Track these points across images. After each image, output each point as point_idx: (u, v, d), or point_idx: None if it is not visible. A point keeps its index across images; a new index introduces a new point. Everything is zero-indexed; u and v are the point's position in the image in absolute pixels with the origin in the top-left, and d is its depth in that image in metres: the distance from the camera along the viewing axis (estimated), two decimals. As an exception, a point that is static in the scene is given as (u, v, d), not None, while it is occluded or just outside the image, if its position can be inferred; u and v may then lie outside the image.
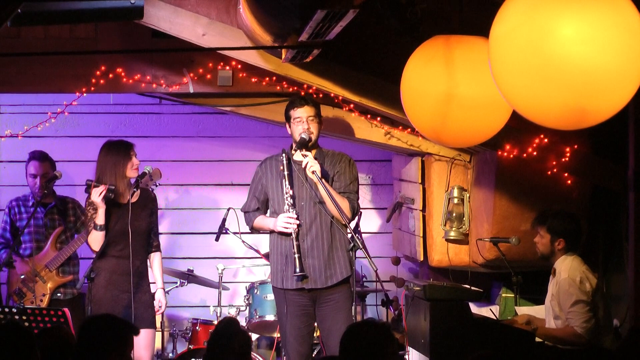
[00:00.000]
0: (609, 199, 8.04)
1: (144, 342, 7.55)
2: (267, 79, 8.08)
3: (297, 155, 7.20)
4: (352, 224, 7.28)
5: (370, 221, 9.76)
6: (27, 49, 8.01)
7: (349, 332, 5.24)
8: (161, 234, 8.22)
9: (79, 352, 4.99)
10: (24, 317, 6.86)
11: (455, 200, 8.37)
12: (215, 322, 8.34)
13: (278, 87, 8.16)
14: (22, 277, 8.23)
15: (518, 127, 7.15)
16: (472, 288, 7.27)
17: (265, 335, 8.75)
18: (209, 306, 8.71)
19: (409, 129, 8.28)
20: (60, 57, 8.04)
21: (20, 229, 8.30)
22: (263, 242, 8.96)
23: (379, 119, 8.29)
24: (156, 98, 9.36)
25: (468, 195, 8.37)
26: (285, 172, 7.17)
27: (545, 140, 7.61)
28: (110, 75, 8.09)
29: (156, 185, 7.99)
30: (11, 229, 8.43)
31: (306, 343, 7.29)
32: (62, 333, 5.60)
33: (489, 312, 7.96)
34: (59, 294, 8.30)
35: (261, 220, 7.38)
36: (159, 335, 8.89)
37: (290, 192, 7.16)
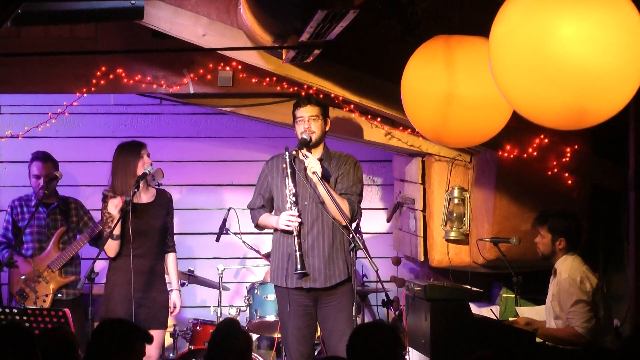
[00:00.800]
0: (610, 198, 8.04)
1: (155, 342, 7.56)
2: (268, 79, 8.07)
3: (301, 155, 7.20)
4: (353, 225, 7.28)
5: (371, 221, 9.76)
6: (28, 49, 8.01)
7: (356, 333, 5.23)
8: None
9: (90, 354, 5.01)
10: (25, 318, 6.86)
11: (456, 201, 8.37)
12: (216, 323, 8.34)
13: (278, 88, 8.16)
14: (24, 277, 8.23)
15: (518, 127, 7.15)
16: (473, 288, 7.27)
17: (265, 335, 8.75)
18: (209, 306, 8.71)
19: (410, 130, 8.28)
20: (60, 57, 8.03)
21: (23, 228, 8.29)
22: (263, 242, 8.97)
23: (379, 119, 8.29)
24: (156, 98, 9.37)
25: (468, 195, 8.37)
26: (288, 171, 7.18)
27: (546, 140, 7.61)
28: (111, 76, 8.09)
29: (158, 185, 7.99)
30: (13, 228, 8.43)
31: (307, 343, 7.29)
32: (64, 333, 5.60)
33: (489, 312, 7.96)
34: (60, 295, 8.30)
35: (265, 218, 7.40)
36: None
37: (293, 190, 7.17)
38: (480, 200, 8.20)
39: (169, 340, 8.74)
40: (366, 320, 9.10)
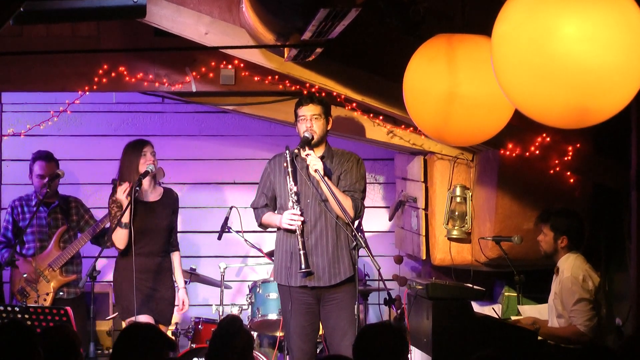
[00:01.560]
0: (611, 197, 8.03)
1: None
2: (270, 77, 8.07)
3: (303, 153, 7.20)
4: (355, 223, 7.28)
5: (373, 220, 9.76)
6: (30, 48, 8.01)
7: (363, 333, 5.22)
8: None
9: (114, 357, 5.00)
10: (27, 316, 6.86)
11: (458, 199, 8.37)
12: (218, 321, 8.34)
13: (280, 86, 8.15)
14: (25, 276, 8.23)
15: (520, 125, 7.15)
16: (475, 287, 7.26)
17: (267, 334, 8.74)
18: (211, 305, 8.72)
19: (412, 128, 8.28)
20: (62, 55, 8.03)
21: (23, 228, 8.29)
22: (265, 241, 8.97)
23: (381, 117, 8.29)
24: (159, 97, 9.37)
25: (470, 194, 8.37)
26: (289, 169, 7.18)
27: (548, 139, 7.61)
28: (113, 74, 8.09)
29: (159, 184, 8.00)
30: (13, 228, 8.43)
31: (310, 341, 7.30)
32: (66, 332, 5.59)
33: (491, 311, 7.96)
34: (61, 293, 8.30)
35: (269, 217, 7.41)
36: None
37: (295, 189, 7.18)
38: (483, 199, 8.20)
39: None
40: (368, 318, 9.11)
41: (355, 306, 6.85)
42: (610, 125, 5.48)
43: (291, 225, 7.16)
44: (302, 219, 7.16)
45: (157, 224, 7.77)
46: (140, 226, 7.65)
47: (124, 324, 7.85)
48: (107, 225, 8.01)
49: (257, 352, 8.27)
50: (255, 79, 8.12)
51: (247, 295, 8.52)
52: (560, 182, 7.84)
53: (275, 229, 7.42)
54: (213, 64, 8.12)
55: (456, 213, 8.38)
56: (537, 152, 7.65)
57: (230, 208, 8.82)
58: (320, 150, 7.27)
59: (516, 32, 4.96)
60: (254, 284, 8.52)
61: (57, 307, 7.01)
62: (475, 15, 6.32)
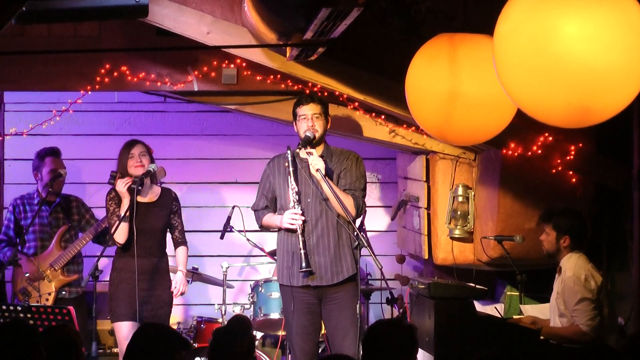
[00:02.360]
0: (613, 197, 8.03)
1: None
2: (272, 77, 8.08)
3: (303, 153, 7.20)
4: (357, 222, 7.27)
5: (375, 219, 9.76)
6: (31, 48, 8.02)
7: (374, 328, 5.19)
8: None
9: (128, 356, 4.98)
10: (29, 315, 6.87)
11: (460, 199, 8.37)
12: (220, 320, 8.35)
13: (282, 86, 8.16)
14: (28, 275, 8.24)
15: (522, 125, 7.14)
16: (477, 286, 7.26)
17: (270, 333, 8.75)
18: (213, 304, 8.72)
19: (414, 127, 8.28)
20: (64, 55, 8.04)
21: (25, 227, 8.29)
22: (267, 240, 8.97)
23: (383, 117, 8.30)
24: (161, 96, 9.37)
25: (473, 193, 8.37)
26: (291, 169, 7.18)
27: (550, 138, 7.61)
28: (115, 74, 8.09)
29: (160, 184, 8.00)
30: (15, 227, 8.42)
31: (312, 341, 7.29)
32: (68, 331, 5.59)
33: (493, 310, 7.95)
34: (63, 293, 8.30)
35: (269, 218, 7.40)
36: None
37: (296, 189, 7.17)
38: (485, 198, 8.20)
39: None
40: (369, 318, 9.11)
41: (357, 305, 6.85)
42: (612, 124, 5.48)
43: (292, 224, 7.16)
44: (303, 218, 7.16)
45: (152, 225, 7.75)
46: (135, 227, 7.65)
47: (113, 326, 7.86)
48: (108, 225, 7.99)
49: (259, 351, 8.27)
50: (257, 78, 8.12)
51: (249, 294, 8.53)
52: (562, 181, 7.84)
53: (277, 230, 7.41)
54: (215, 63, 8.12)
55: (458, 212, 8.38)
56: (539, 151, 7.65)
57: (233, 207, 8.82)
58: (319, 150, 7.26)
59: (518, 31, 4.96)
60: (256, 283, 8.53)
61: (60, 307, 7.00)
62: (477, 14, 6.33)
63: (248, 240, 8.82)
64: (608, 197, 8.10)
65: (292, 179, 7.18)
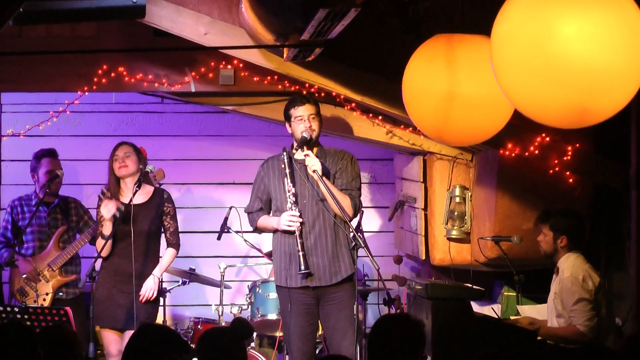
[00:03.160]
0: (611, 197, 8.03)
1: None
2: (269, 77, 8.08)
3: (299, 154, 7.20)
4: (354, 223, 7.27)
5: (372, 220, 9.77)
6: (29, 48, 8.02)
7: (381, 322, 5.16)
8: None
9: (126, 356, 4.97)
10: (26, 316, 6.86)
11: (457, 199, 8.38)
12: (217, 322, 8.35)
13: (280, 86, 8.16)
14: (25, 276, 8.23)
15: (520, 125, 7.15)
16: (474, 287, 7.27)
17: (267, 334, 8.75)
18: (210, 305, 8.72)
19: (411, 128, 8.28)
20: (62, 56, 8.04)
21: (23, 228, 8.29)
22: (265, 241, 8.97)
23: (380, 117, 8.29)
24: (158, 97, 9.37)
25: (470, 194, 8.38)
26: (287, 171, 7.17)
27: (547, 138, 7.61)
28: (112, 74, 8.09)
29: (159, 185, 8.00)
30: (13, 228, 8.42)
31: (309, 342, 7.29)
32: (64, 331, 5.59)
33: (490, 310, 7.97)
34: (61, 294, 8.30)
35: (265, 220, 7.38)
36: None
37: (293, 190, 7.17)
38: (482, 199, 8.20)
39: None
40: (367, 318, 9.11)
41: (355, 306, 6.85)
42: (609, 125, 5.49)
43: (290, 227, 7.15)
44: (301, 220, 7.15)
45: (137, 229, 7.65)
46: (120, 229, 7.63)
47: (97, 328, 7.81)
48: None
49: (256, 352, 8.28)
50: (255, 79, 8.12)
51: (247, 295, 8.53)
52: (559, 182, 7.84)
53: (272, 231, 7.39)
54: (212, 64, 8.12)
55: (455, 213, 8.38)
56: (537, 152, 7.65)
57: (230, 208, 8.82)
58: (314, 151, 7.24)
59: (516, 32, 4.96)
60: (254, 284, 8.53)
61: (57, 308, 7.00)
62: (475, 15, 6.33)
63: (245, 241, 8.82)
64: (606, 197, 8.10)
65: (289, 180, 7.18)
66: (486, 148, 8.00)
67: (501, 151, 7.78)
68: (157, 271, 7.76)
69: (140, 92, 8.83)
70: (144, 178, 7.70)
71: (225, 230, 8.80)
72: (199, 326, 8.37)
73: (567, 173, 7.81)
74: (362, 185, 7.87)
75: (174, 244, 7.89)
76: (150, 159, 8.38)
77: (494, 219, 8.01)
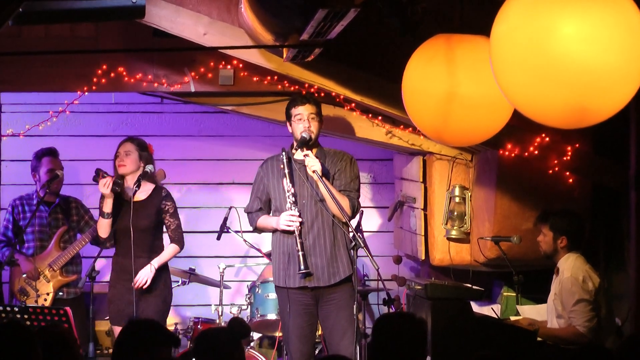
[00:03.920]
0: (610, 197, 8.04)
1: None
2: (269, 78, 8.08)
3: (298, 154, 7.20)
4: (354, 223, 7.27)
5: (372, 220, 9.76)
6: (29, 48, 8.02)
7: (384, 323, 5.16)
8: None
9: (115, 352, 4.98)
10: (26, 316, 6.85)
11: (457, 199, 8.38)
12: (217, 321, 8.35)
13: (279, 86, 8.16)
14: (25, 275, 8.23)
15: (519, 126, 7.15)
16: (474, 287, 7.27)
17: (267, 334, 8.75)
18: (210, 305, 8.72)
19: (410, 128, 8.28)
20: (61, 56, 8.04)
21: (24, 227, 8.29)
22: (264, 241, 8.97)
23: (380, 118, 8.29)
24: (157, 97, 9.37)
25: (469, 194, 8.37)
26: (286, 171, 7.17)
27: (547, 139, 7.61)
28: (112, 75, 8.09)
29: (160, 184, 8.00)
30: (13, 227, 8.42)
31: (308, 342, 7.29)
32: (59, 330, 5.58)
33: (490, 311, 7.97)
34: (61, 294, 8.30)
35: (264, 220, 7.38)
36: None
37: (292, 191, 7.17)
38: (481, 199, 8.20)
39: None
40: (367, 319, 9.11)
41: (354, 306, 6.85)
42: (609, 125, 5.49)
43: (289, 226, 7.15)
44: (300, 220, 7.15)
45: (135, 225, 7.64)
46: (120, 226, 7.65)
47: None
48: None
49: (255, 352, 8.27)
50: (254, 79, 8.12)
51: (246, 295, 8.53)
52: (559, 182, 7.84)
53: (272, 231, 7.40)
54: (212, 64, 8.12)
55: (455, 213, 8.38)
56: (536, 152, 7.65)
57: (229, 208, 8.82)
58: (313, 151, 7.24)
59: (515, 32, 4.96)
60: (253, 284, 8.53)
61: (57, 308, 6.99)
62: (474, 15, 6.33)
63: (245, 241, 8.82)
64: (605, 198, 8.10)
65: (288, 180, 7.18)
66: (485, 148, 8.00)
67: (501, 151, 7.78)
68: (155, 261, 7.76)
69: (140, 92, 8.83)
70: (143, 177, 7.70)
71: (225, 230, 8.80)
72: (198, 326, 8.37)
73: (567, 173, 7.81)
74: (362, 185, 7.88)
75: (177, 240, 7.89)
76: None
77: (494, 219, 8.01)
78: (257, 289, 8.42)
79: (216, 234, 8.82)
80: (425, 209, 8.69)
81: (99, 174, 7.71)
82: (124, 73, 8.09)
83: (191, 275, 8.71)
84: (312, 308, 7.24)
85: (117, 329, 7.74)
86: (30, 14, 5.56)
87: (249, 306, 8.46)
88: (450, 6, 6.56)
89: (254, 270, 9.64)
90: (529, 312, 7.62)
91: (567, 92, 4.87)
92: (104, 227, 7.74)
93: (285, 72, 7.65)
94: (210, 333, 5.22)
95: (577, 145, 7.71)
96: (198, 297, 9.59)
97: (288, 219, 7.15)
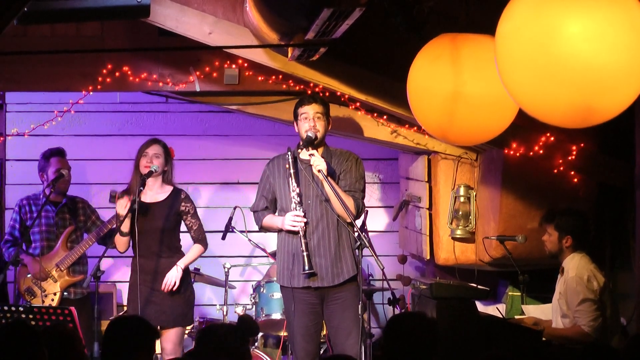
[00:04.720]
0: (616, 196, 8.03)
1: (167, 339, 7.71)
2: (274, 77, 8.08)
3: (304, 154, 7.20)
4: (359, 222, 7.27)
5: (377, 219, 9.76)
6: (34, 48, 8.03)
7: (396, 323, 5.16)
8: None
9: (104, 352, 5.01)
10: (31, 316, 6.86)
11: (462, 199, 8.37)
12: (222, 321, 8.34)
13: (284, 86, 8.16)
14: (31, 275, 8.23)
15: (524, 125, 7.14)
16: (479, 286, 7.27)
17: (272, 333, 8.75)
18: (215, 305, 8.72)
19: (416, 128, 8.28)
20: (66, 55, 8.04)
21: (31, 227, 8.29)
22: (270, 241, 8.97)
23: (385, 117, 8.29)
24: (163, 96, 9.37)
25: (474, 193, 8.37)
26: (292, 171, 7.17)
27: (552, 138, 7.61)
28: (117, 74, 8.09)
29: (174, 184, 8.00)
30: (20, 227, 8.42)
31: (313, 341, 7.29)
32: (63, 330, 5.59)
33: (495, 310, 7.95)
34: (67, 293, 8.30)
35: (270, 219, 7.38)
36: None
37: (297, 190, 7.16)
38: (487, 199, 8.20)
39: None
40: (372, 319, 9.12)
41: (359, 306, 6.85)
42: (614, 124, 5.48)
43: (294, 226, 7.15)
44: (305, 220, 7.15)
45: (152, 226, 7.69)
46: (138, 227, 7.64)
47: None
48: (114, 226, 8.01)
49: (260, 352, 8.27)
50: (259, 78, 8.12)
51: (251, 295, 8.53)
52: (564, 181, 7.84)
53: (277, 231, 7.40)
54: (217, 63, 8.12)
55: (460, 213, 8.38)
56: (541, 151, 7.65)
57: (234, 208, 8.82)
58: (319, 151, 7.24)
59: (520, 31, 4.96)
60: (258, 283, 8.53)
61: (62, 307, 7.00)
62: (479, 14, 6.32)
63: (250, 240, 8.82)
64: (611, 197, 8.10)
65: (293, 180, 7.17)
66: (491, 147, 7.99)
67: (506, 151, 7.78)
68: (181, 262, 7.78)
69: (145, 92, 8.83)
70: (148, 177, 7.68)
71: (230, 230, 8.80)
72: (203, 326, 8.37)
73: (572, 172, 7.81)
74: (367, 184, 7.87)
75: (200, 239, 7.91)
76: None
77: (499, 218, 8.01)
78: (262, 289, 8.42)
79: (221, 234, 8.82)
80: (430, 208, 8.69)
81: (114, 197, 7.71)
82: (129, 72, 8.10)
83: (196, 275, 8.71)
84: (317, 307, 7.24)
85: None
86: (35, 13, 5.57)
87: (254, 306, 8.45)
88: (455, 5, 6.56)
89: (259, 270, 9.63)
90: (534, 311, 7.62)
91: (573, 91, 4.86)
92: (122, 244, 7.73)
93: (290, 72, 7.65)
94: (218, 328, 5.24)
95: (583, 144, 7.70)
96: (203, 297, 9.59)
97: (293, 220, 7.15)
